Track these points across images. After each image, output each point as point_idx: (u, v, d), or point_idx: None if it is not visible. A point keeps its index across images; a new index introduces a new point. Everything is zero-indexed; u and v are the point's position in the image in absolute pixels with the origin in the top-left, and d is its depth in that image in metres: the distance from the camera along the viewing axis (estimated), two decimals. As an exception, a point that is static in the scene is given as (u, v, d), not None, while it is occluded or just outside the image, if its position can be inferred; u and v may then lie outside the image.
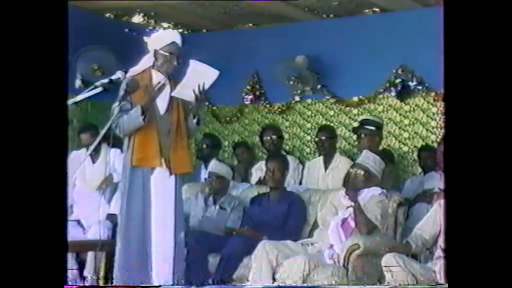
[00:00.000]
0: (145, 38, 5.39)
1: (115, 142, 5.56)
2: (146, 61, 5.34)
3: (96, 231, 6.19)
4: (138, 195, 5.21)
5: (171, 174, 5.28)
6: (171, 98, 5.29)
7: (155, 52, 5.29)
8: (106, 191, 6.74)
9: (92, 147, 6.05)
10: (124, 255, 5.16)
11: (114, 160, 6.59)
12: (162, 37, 5.40)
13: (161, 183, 5.25)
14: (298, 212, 6.34)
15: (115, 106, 5.09)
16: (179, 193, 5.35)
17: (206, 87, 5.22)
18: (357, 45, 7.98)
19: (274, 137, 7.36)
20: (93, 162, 6.85)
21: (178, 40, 5.35)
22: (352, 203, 5.68)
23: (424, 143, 7.66)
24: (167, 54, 5.27)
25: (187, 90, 5.18)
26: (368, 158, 5.95)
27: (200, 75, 5.17)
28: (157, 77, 5.31)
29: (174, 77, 5.32)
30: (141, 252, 5.16)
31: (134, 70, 5.27)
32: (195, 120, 5.34)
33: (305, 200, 6.42)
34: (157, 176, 5.25)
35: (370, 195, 5.82)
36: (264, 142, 7.41)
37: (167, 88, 5.28)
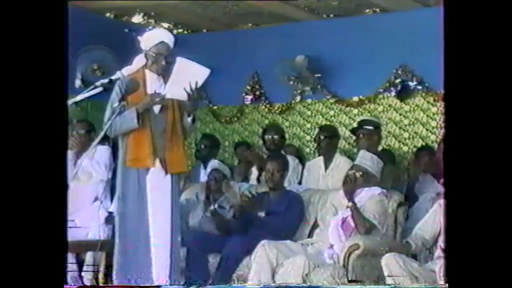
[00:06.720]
0: (138, 38, 5.36)
1: (104, 139, 5.54)
2: (138, 61, 5.32)
3: (95, 231, 6.18)
4: (133, 196, 5.19)
5: (166, 173, 5.26)
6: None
7: (145, 52, 5.28)
8: (103, 191, 6.73)
9: (91, 147, 6.04)
10: (122, 255, 5.16)
11: (100, 156, 6.58)
12: (151, 38, 5.34)
13: (156, 183, 5.22)
14: (296, 209, 6.32)
15: (116, 106, 5.06)
16: (175, 193, 5.33)
17: (199, 85, 5.17)
18: (357, 45, 7.99)
19: (275, 136, 7.35)
20: (81, 157, 6.81)
21: (167, 39, 5.30)
22: (350, 204, 5.69)
23: (424, 143, 7.66)
24: (154, 54, 5.25)
25: (178, 89, 5.12)
26: (366, 159, 5.95)
27: (188, 72, 5.10)
28: (151, 77, 5.29)
29: (168, 77, 5.28)
30: (139, 252, 5.15)
31: (127, 70, 5.24)
32: (190, 119, 5.30)
33: (305, 200, 6.42)
34: (152, 176, 5.23)
35: (369, 195, 5.83)
36: (265, 141, 7.41)
37: (162, 87, 5.25)
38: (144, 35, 5.41)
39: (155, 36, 5.36)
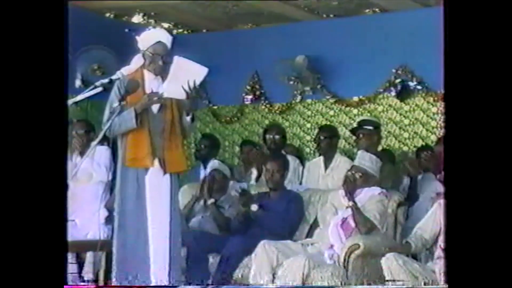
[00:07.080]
0: (136, 38, 5.35)
1: (102, 139, 5.53)
2: (137, 61, 5.30)
3: (95, 231, 6.18)
4: (132, 196, 5.18)
5: (165, 173, 5.25)
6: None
7: (143, 52, 5.27)
8: (103, 191, 6.72)
9: (91, 148, 6.04)
10: (122, 255, 5.15)
11: (100, 157, 6.59)
12: (148, 38, 5.31)
13: (155, 183, 5.21)
14: (296, 209, 6.33)
15: (115, 106, 5.04)
16: (174, 193, 5.31)
17: (197, 83, 5.15)
18: (357, 45, 8.00)
19: (277, 136, 7.34)
20: (81, 157, 6.80)
21: (164, 39, 5.28)
22: (351, 203, 5.69)
23: (424, 143, 7.67)
24: (152, 54, 5.24)
25: (176, 87, 5.11)
26: (364, 159, 5.95)
27: (186, 71, 5.08)
28: (149, 77, 5.28)
29: (166, 76, 5.26)
30: (139, 252, 5.14)
31: (126, 69, 5.23)
32: (189, 118, 5.27)
33: (305, 200, 6.42)
34: (151, 176, 5.21)
35: (369, 195, 5.83)
36: (266, 141, 7.41)
37: (160, 87, 5.24)
38: (142, 35, 5.39)
39: (152, 36, 5.35)
